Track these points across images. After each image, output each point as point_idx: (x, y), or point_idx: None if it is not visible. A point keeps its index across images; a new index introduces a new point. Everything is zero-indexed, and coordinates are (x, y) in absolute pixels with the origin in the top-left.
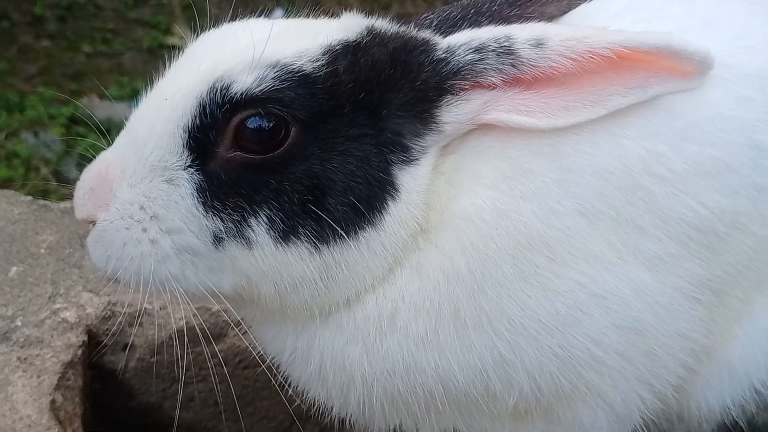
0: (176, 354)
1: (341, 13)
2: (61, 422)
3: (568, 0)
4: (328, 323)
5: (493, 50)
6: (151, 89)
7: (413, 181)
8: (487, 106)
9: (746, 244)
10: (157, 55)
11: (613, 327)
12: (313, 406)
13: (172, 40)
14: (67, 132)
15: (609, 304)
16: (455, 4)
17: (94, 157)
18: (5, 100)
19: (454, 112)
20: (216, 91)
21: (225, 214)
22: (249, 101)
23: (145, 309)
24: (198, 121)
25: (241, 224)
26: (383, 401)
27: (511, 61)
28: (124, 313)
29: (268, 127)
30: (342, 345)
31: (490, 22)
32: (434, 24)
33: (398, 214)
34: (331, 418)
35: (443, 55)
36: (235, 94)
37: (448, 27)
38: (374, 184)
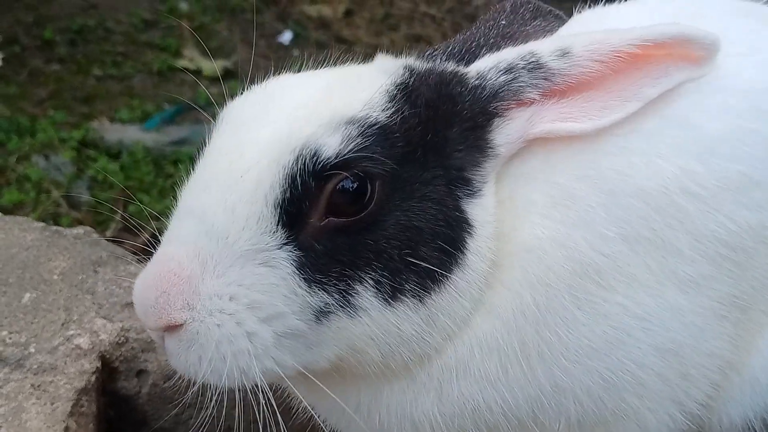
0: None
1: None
2: None
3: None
4: (398, 375)
5: (523, 67)
6: (197, 165)
7: (483, 212)
8: (531, 120)
9: None
10: (167, 78)
11: (653, 349)
12: None
13: (182, 63)
14: (77, 155)
15: (650, 326)
16: (453, 39)
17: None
18: (16, 123)
19: (505, 133)
20: (305, 159)
21: (330, 285)
22: (342, 164)
23: None
24: (288, 194)
25: (347, 292)
26: None
27: (542, 74)
28: (138, 339)
29: (355, 187)
30: (413, 397)
31: (489, 53)
32: (443, 58)
33: (476, 248)
34: None
35: (477, 82)
36: (328, 159)
37: (457, 61)
38: (453, 224)
